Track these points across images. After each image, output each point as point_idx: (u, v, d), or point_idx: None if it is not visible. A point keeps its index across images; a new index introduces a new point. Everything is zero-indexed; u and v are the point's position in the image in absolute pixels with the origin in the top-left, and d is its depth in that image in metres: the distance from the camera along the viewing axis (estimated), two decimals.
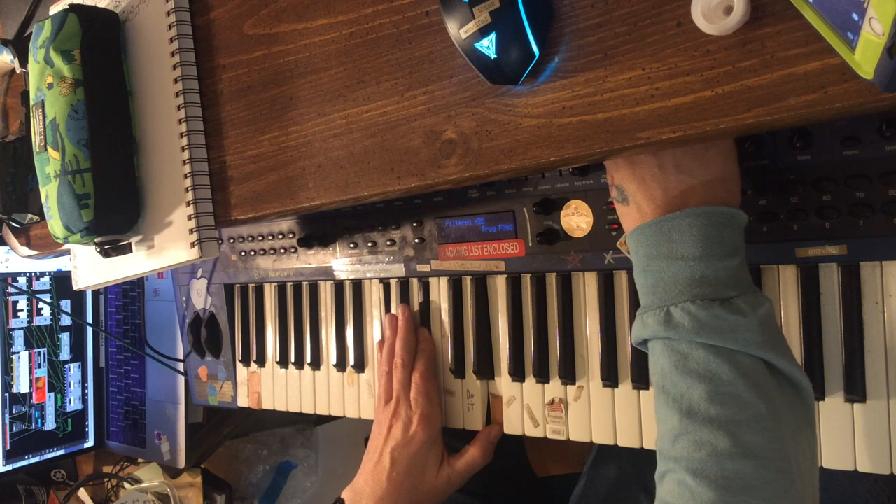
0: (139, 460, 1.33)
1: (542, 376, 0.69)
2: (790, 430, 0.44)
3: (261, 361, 0.94)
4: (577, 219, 0.66)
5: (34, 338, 1.23)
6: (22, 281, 1.22)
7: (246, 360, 0.95)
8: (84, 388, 1.31)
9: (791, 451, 0.43)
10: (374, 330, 0.83)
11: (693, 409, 0.44)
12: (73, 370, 1.29)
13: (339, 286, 0.85)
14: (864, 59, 0.32)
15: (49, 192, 0.68)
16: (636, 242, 0.51)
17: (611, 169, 0.54)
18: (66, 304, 1.29)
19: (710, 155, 0.49)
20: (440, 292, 0.77)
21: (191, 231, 0.67)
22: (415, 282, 0.79)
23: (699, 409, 0.43)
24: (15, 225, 0.90)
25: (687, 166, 0.49)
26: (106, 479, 1.35)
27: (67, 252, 0.86)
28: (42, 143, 0.68)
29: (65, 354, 1.28)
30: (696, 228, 0.47)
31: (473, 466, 0.73)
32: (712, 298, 0.45)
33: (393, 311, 0.80)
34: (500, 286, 0.72)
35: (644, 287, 0.50)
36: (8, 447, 1.19)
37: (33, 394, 1.23)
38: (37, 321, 1.24)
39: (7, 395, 1.19)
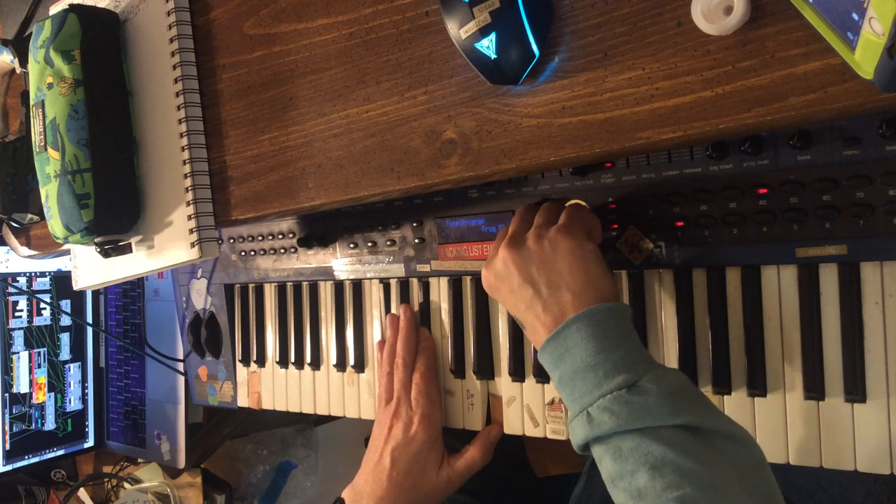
0: (139, 460, 1.33)
1: (542, 376, 0.69)
2: (733, 478, 0.46)
3: (261, 361, 0.94)
4: None
5: (34, 338, 1.23)
6: (22, 281, 1.22)
7: (246, 360, 0.95)
8: (84, 388, 1.31)
9: (741, 497, 0.45)
10: (374, 330, 0.83)
11: (642, 491, 0.46)
12: (73, 370, 1.29)
13: (339, 286, 0.85)
14: (864, 59, 0.32)
15: (49, 192, 0.68)
16: (545, 362, 0.55)
17: (503, 304, 0.61)
18: (66, 304, 1.29)
19: (573, 265, 0.55)
20: (440, 292, 0.77)
21: (191, 231, 0.67)
22: (415, 282, 0.79)
23: (647, 490, 0.46)
24: (15, 225, 0.90)
25: (556, 282, 0.55)
26: (106, 479, 1.35)
27: (67, 252, 0.86)
28: (42, 143, 0.68)
29: (65, 354, 1.28)
30: (583, 331, 0.52)
31: (473, 466, 0.74)
32: (619, 388, 0.49)
33: (393, 310, 0.80)
34: None
35: (566, 399, 0.53)
36: (8, 447, 1.19)
37: (33, 394, 1.23)
38: (37, 321, 1.24)
39: (7, 395, 1.19)
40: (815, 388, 0.55)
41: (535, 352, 0.69)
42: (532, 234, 0.58)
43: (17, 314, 1.21)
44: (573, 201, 0.65)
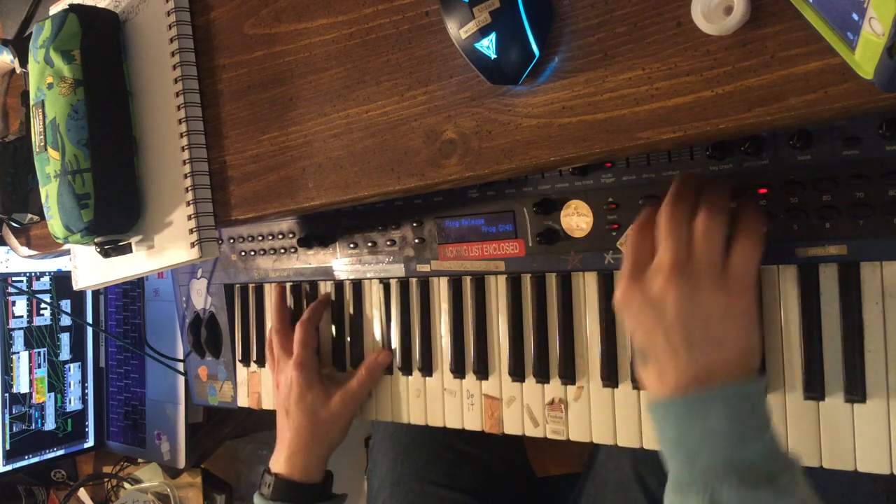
0: (139, 460, 1.33)
1: (542, 376, 0.69)
2: None
3: (261, 361, 0.94)
4: (577, 219, 0.66)
5: (34, 338, 1.23)
6: (22, 281, 1.22)
7: (246, 360, 0.95)
8: (84, 388, 1.31)
9: None
10: (374, 329, 0.83)
11: None
12: (73, 370, 1.29)
13: (339, 286, 0.85)
14: (864, 59, 0.32)
15: (49, 192, 0.68)
16: (663, 416, 0.50)
17: (631, 324, 0.53)
18: (66, 304, 1.29)
19: (737, 324, 0.49)
20: (440, 292, 0.77)
21: (191, 231, 0.67)
22: (414, 282, 0.79)
23: None
24: (15, 225, 0.90)
25: (713, 337, 0.49)
26: (106, 479, 1.35)
27: (67, 252, 0.86)
28: (42, 143, 0.68)
29: (65, 354, 1.28)
30: (729, 408, 0.47)
31: (363, 383, 0.80)
32: (757, 480, 0.45)
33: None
34: (500, 286, 0.72)
35: (677, 459, 0.49)
36: (8, 447, 1.19)
37: (33, 394, 1.23)
38: (37, 321, 1.24)
39: (7, 395, 1.19)
40: (815, 388, 0.55)
41: (536, 350, 0.69)
42: (708, 272, 0.49)
43: (16, 314, 1.21)
44: (750, 209, 0.53)
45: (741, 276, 0.50)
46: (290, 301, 0.91)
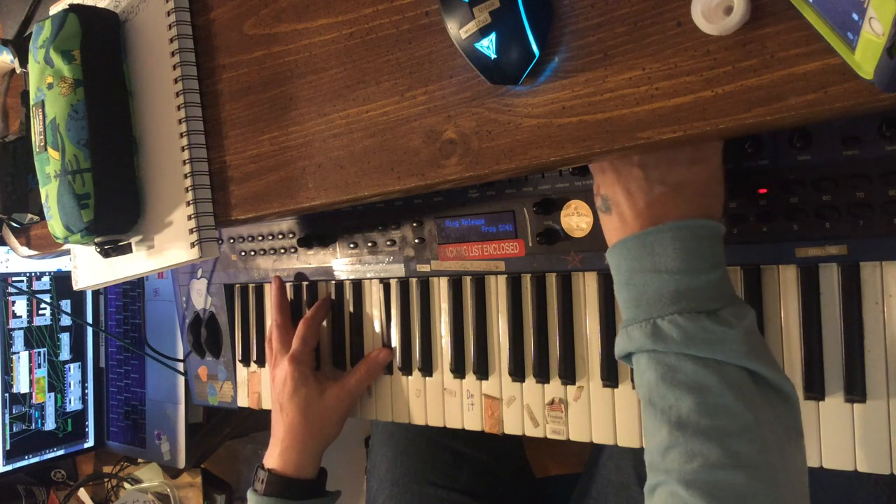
0: (139, 460, 1.33)
1: (542, 376, 0.69)
2: (777, 439, 0.45)
3: (261, 361, 0.94)
4: (577, 219, 0.66)
5: (34, 338, 1.23)
6: (22, 281, 1.22)
7: (246, 360, 0.96)
8: (84, 388, 1.31)
9: (778, 461, 0.44)
10: (374, 329, 0.83)
11: (683, 420, 0.44)
12: (73, 370, 1.29)
13: (339, 286, 0.85)
14: (864, 59, 0.32)
15: (49, 192, 0.68)
16: (618, 256, 0.51)
17: (597, 178, 0.55)
18: (66, 304, 1.29)
19: (696, 171, 0.50)
20: (440, 292, 0.77)
21: (191, 231, 0.67)
22: (414, 282, 0.79)
23: (689, 421, 0.44)
24: (15, 225, 0.90)
25: (672, 180, 0.50)
26: (106, 479, 1.35)
27: (67, 252, 0.86)
28: (42, 143, 0.68)
29: (65, 354, 1.28)
30: (678, 241, 0.48)
31: (362, 381, 0.80)
32: (699, 311, 0.46)
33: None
34: (500, 286, 0.72)
35: (627, 300, 0.50)
36: (8, 447, 1.19)
37: (33, 394, 1.23)
38: (37, 321, 1.24)
39: (7, 395, 1.19)
40: (815, 388, 0.55)
41: (536, 350, 0.69)
42: None
43: (17, 314, 1.21)
44: None
45: (714, 144, 0.51)
46: (290, 300, 0.91)
